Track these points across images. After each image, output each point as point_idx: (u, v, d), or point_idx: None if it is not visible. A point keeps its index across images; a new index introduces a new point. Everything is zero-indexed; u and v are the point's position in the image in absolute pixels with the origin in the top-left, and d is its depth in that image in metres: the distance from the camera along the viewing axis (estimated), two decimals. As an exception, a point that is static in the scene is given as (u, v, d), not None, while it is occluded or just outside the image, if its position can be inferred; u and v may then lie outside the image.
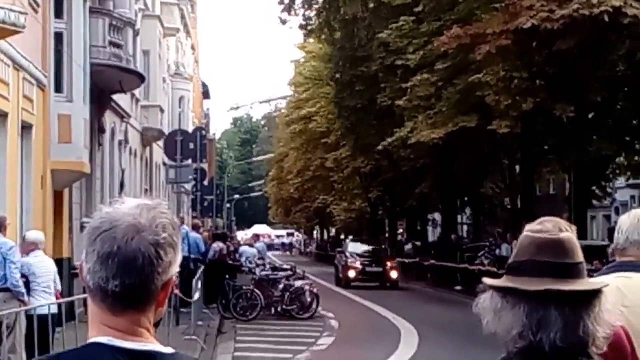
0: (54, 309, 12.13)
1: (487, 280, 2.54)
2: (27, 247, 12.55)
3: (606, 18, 22.31)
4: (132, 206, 2.10)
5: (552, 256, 2.48)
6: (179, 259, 2.14)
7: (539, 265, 2.47)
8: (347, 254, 40.13)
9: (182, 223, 24.51)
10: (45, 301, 11.98)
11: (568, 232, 2.61)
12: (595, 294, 2.47)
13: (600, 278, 3.85)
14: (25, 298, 11.90)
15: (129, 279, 2.04)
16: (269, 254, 46.21)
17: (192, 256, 24.75)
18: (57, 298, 12.59)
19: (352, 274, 38.44)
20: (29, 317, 11.62)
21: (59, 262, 15.76)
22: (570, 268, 2.48)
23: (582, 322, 2.42)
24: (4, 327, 11.44)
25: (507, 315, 2.45)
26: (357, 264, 38.77)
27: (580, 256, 2.53)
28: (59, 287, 12.99)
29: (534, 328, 2.42)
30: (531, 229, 2.64)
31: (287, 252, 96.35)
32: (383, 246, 44.34)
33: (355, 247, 41.66)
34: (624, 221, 4.13)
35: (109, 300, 2.07)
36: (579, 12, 22.41)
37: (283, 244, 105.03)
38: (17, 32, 14.45)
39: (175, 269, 2.13)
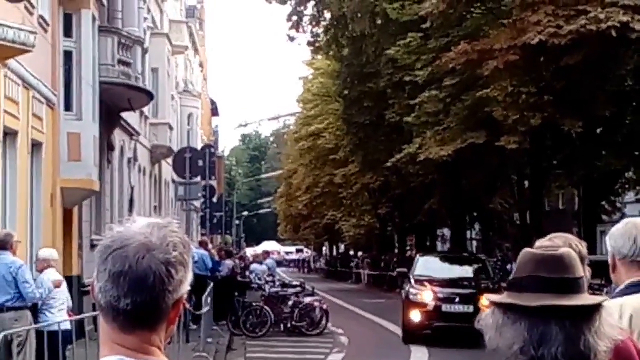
0: (67, 326, 12.25)
1: (489, 297, 2.59)
2: (41, 264, 12.69)
3: (614, 33, 22.33)
4: (143, 225, 2.13)
5: (552, 272, 2.52)
6: (190, 277, 2.16)
7: (539, 281, 2.51)
8: (414, 278, 23.73)
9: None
10: (61, 318, 12.14)
11: (568, 248, 2.66)
12: (596, 308, 2.51)
13: (625, 299, 3.83)
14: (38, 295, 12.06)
15: (141, 297, 2.07)
16: (279, 270, 46.21)
17: (201, 273, 24.77)
18: (69, 316, 12.74)
19: (415, 317, 22.34)
20: (40, 334, 11.71)
21: (69, 280, 15.82)
22: (570, 283, 2.52)
23: (583, 336, 2.46)
24: (15, 344, 11.52)
25: (508, 331, 2.49)
26: (428, 298, 22.51)
27: (580, 271, 2.57)
28: (70, 304, 13.14)
29: (535, 343, 2.46)
30: (539, 247, 2.69)
31: (300, 270, 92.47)
32: (482, 264, 26.36)
33: (431, 267, 24.78)
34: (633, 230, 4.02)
35: (120, 319, 2.09)
36: (586, 28, 22.42)
37: (285, 260, 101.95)
38: (27, 52, 14.55)
39: (186, 287, 2.15)
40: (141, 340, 2.11)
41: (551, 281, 2.50)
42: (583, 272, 2.61)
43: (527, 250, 2.64)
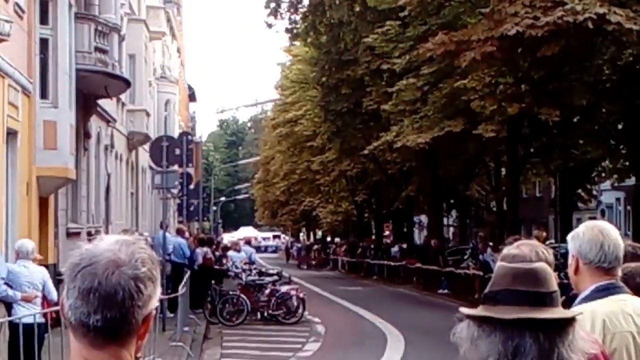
0: (39, 319, 12.04)
1: (463, 310, 2.58)
2: (15, 255, 12.55)
3: (590, 25, 22.35)
4: (111, 242, 2.15)
5: (527, 285, 2.52)
6: (158, 292, 2.18)
7: (514, 294, 2.52)
8: None
9: (162, 227, 24.53)
10: (27, 311, 11.92)
11: (542, 262, 2.66)
12: (569, 322, 2.51)
13: (595, 305, 3.81)
14: (10, 293, 11.88)
15: (110, 313, 2.07)
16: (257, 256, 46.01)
17: (178, 261, 24.70)
18: (46, 307, 12.50)
19: None
20: (14, 327, 11.59)
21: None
22: (544, 297, 2.52)
23: (556, 349, 2.46)
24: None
25: (483, 343, 2.49)
26: None
27: (554, 285, 2.57)
28: (53, 296, 12.68)
29: (509, 356, 2.46)
30: (507, 256, 2.68)
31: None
32: None
33: None
34: (611, 235, 3.94)
35: (90, 335, 2.10)
36: (563, 19, 22.43)
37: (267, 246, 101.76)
38: (2, 40, 14.44)
39: (155, 302, 2.16)
40: (111, 355, 2.12)
41: (526, 294, 2.50)
42: (556, 285, 2.60)
43: (502, 263, 2.64)
